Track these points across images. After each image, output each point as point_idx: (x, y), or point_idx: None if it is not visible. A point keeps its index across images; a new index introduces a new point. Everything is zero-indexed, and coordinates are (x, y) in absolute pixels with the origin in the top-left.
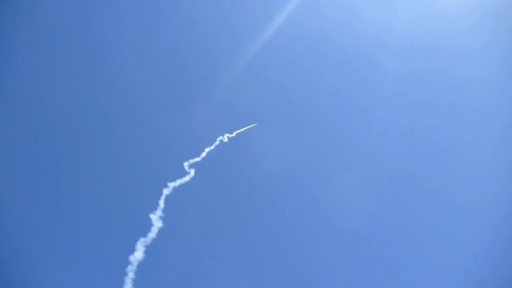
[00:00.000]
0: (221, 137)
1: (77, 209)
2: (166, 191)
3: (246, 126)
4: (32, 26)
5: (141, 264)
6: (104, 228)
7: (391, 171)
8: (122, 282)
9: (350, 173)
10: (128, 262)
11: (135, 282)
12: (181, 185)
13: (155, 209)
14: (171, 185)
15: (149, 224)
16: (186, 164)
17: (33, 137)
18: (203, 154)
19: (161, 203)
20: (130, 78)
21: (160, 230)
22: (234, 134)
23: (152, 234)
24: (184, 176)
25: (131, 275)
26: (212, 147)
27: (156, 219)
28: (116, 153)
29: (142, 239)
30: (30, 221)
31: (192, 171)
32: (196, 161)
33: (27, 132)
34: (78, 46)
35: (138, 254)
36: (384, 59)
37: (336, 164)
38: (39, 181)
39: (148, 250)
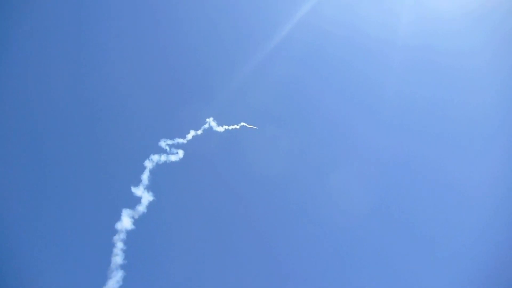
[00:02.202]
0: (211, 119)
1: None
2: (149, 164)
3: (246, 124)
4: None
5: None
6: (88, 198)
7: (393, 169)
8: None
9: (348, 173)
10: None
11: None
12: (167, 164)
13: (138, 183)
14: (155, 158)
15: (133, 196)
16: (163, 144)
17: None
18: (188, 136)
19: (145, 177)
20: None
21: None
22: (230, 127)
23: (141, 207)
24: (169, 154)
25: (120, 244)
26: (199, 132)
27: (140, 192)
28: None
29: (128, 210)
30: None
31: (180, 152)
32: (180, 142)
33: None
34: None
35: (126, 224)
36: (390, 61)
37: (335, 164)
38: (19, 154)
39: (137, 223)
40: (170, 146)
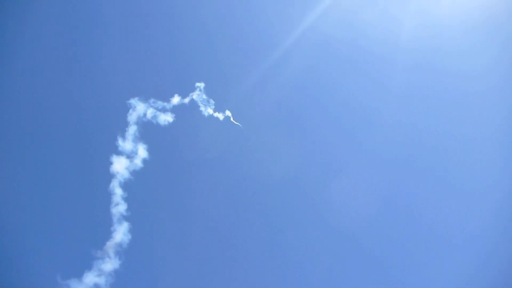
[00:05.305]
0: (202, 84)
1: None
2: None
3: (231, 116)
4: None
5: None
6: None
7: (398, 174)
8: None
9: (351, 178)
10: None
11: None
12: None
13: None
14: (140, 112)
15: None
16: (132, 101)
17: None
18: (173, 100)
19: (131, 130)
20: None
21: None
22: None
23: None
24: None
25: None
26: (186, 100)
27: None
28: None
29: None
30: None
31: (168, 116)
32: (164, 106)
33: None
34: None
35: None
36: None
37: (338, 170)
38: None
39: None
40: (155, 105)
